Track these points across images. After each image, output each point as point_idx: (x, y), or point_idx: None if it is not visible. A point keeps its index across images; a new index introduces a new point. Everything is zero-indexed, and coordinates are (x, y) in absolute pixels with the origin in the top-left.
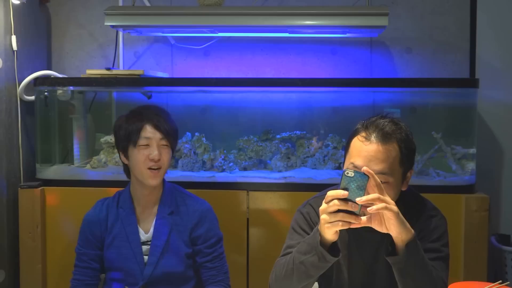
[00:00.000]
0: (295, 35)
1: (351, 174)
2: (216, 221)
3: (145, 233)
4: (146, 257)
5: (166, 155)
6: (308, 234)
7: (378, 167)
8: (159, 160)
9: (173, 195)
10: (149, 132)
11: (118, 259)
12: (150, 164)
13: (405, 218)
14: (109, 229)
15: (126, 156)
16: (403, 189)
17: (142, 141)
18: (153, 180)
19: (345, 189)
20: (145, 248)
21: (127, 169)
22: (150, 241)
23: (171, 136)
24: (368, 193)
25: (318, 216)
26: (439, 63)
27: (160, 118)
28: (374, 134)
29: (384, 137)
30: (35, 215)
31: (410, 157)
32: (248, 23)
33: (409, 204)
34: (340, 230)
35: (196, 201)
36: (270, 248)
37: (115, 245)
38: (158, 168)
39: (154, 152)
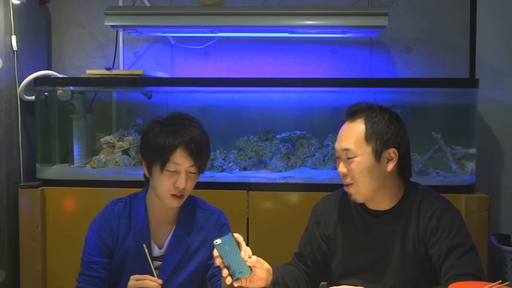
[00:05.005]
0: (295, 35)
1: (218, 241)
2: (231, 232)
3: (159, 248)
4: (156, 271)
5: (191, 183)
6: (312, 232)
7: (343, 144)
8: (183, 188)
9: (192, 211)
10: (179, 157)
11: (127, 273)
12: (174, 191)
13: (418, 215)
14: (120, 241)
15: (149, 171)
16: (388, 169)
17: (170, 167)
18: (174, 204)
19: (221, 256)
20: (156, 263)
21: (146, 177)
22: (162, 256)
23: (202, 160)
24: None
25: (325, 212)
26: (439, 63)
27: (193, 141)
28: (346, 116)
29: (351, 115)
30: (35, 215)
31: (383, 134)
32: (248, 23)
33: (421, 199)
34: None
35: (216, 212)
36: (270, 248)
37: (126, 258)
38: (181, 195)
39: (180, 181)
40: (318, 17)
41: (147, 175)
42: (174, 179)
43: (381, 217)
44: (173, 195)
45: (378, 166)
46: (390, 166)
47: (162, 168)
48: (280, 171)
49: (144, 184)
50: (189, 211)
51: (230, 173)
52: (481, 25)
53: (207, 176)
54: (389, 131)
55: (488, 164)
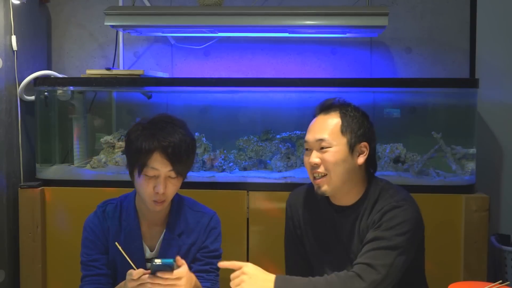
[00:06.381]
0: (295, 35)
1: (158, 262)
2: (221, 236)
3: (150, 250)
4: None
5: (172, 187)
6: (288, 226)
7: (317, 135)
8: (163, 193)
9: (183, 213)
10: (156, 162)
11: (120, 276)
12: (155, 197)
13: (371, 211)
14: (111, 242)
15: (131, 174)
16: (359, 163)
17: (149, 172)
18: (156, 209)
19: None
20: (149, 265)
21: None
22: (154, 258)
23: (181, 165)
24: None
25: (294, 207)
26: (439, 63)
27: (171, 143)
28: (318, 110)
29: (326, 108)
30: (35, 215)
31: (357, 128)
32: (248, 23)
33: (379, 195)
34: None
35: (208, 215)
36: (270, 248)
37: (118, 261)
38: (163, 200)
39: (159, 187)
40: (318, 17)
41: (131, 178)
42: (153, 184)
43: (344, 212)
44: (154, 201)
45: (350, 158)
46: (361, 159)
47: (140, 172)
48: (280, 171)
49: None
50: (179, 213)
51: (230, 173)
52: (481, 25)
53: (207, 176)
54: (362, 127)
55: (488, 164)
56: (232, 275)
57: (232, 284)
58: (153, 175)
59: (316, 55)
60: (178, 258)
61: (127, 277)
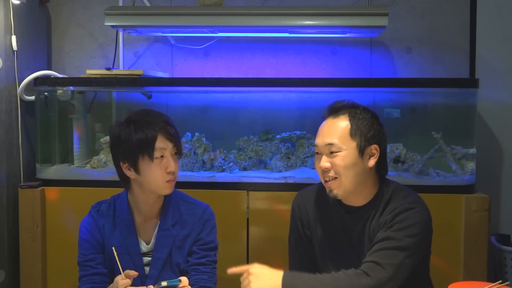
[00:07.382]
0: (295, 35)
1: (164, 284)
2: (216, 228)
3: (146, 244)
4: (147, 268)
5: (177, 163)
6: (296, 226)
7: (326, 139)
8: (174, 172)
9: (176, 204)
10: (162, 142)
11: (118, 274)
12: (168, 177)
13: (382, 212)
14: (106, 240)
15: (136, 169)
16: (370, 165)
17: (157, 153)
18: (170, 190)
19: None
20: (146, 259)
21: (126, 179)
22: (151, 252)
23: (179, 140)
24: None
25: (303, 207)
26: (439, 63)
27: (167, 125)
28: (328, 113)
29: (334, 111)
30: (35, 215)
31: (367, 131)
32: (248, 23)
33: (391, 197)
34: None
35: (200, 207)
36: (270, 248)
37: (114, 260)
38: (174, 180)
39: (171, 164)
40: (318, 17)
41: (134, 175)
42: (164, 165)
43: (355, 213)
44: (167, 182)
45: (361, 161)
46: (372, 161)
47: (151, 157)
48: (280, 171)
49: (125, 186)
50: (172, 204)
51: (230, 173)
52: (481, 25)
53: (207, 176)
54: (372, 129)
55: (488, 164)
56: (241, 279)
57: (242, 287)
58: (161, 155)
59: (316, 55)
60: (184, 279)
61: (114, 284)
